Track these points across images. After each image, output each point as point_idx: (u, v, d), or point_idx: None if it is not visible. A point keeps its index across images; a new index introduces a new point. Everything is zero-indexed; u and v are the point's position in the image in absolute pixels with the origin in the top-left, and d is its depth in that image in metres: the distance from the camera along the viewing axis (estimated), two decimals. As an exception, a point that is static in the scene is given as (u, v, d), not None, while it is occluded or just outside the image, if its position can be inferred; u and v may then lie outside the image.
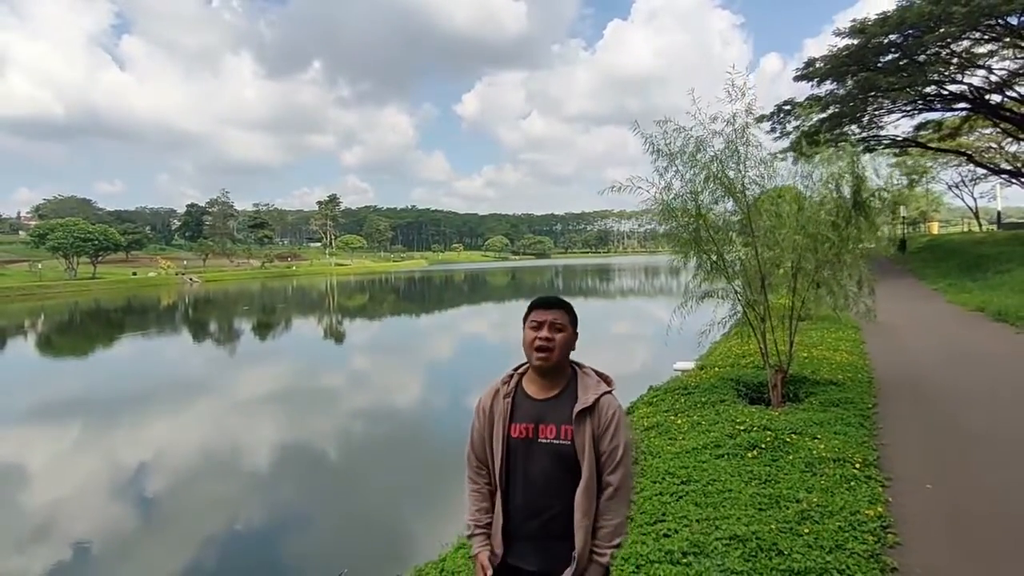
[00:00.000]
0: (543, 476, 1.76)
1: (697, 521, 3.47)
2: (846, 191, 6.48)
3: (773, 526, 3.31)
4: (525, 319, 1.85)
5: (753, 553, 3.05)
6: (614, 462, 1.75)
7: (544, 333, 1.78)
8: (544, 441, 1.77)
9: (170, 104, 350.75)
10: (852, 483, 3.94)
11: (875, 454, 4.60)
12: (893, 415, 5.77)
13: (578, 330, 1.88)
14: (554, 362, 1.79)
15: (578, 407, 1.74)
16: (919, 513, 3.67)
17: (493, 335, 22.42)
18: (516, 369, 1.91)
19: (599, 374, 1.85)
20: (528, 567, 1.79)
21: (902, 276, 22.43)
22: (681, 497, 3.86)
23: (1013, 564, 3.10)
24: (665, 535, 3.33)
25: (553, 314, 1.80)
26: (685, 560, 3.00)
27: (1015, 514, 3.66)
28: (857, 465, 4.23)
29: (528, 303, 1.87)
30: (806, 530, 3.28)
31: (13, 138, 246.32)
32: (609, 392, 1.79)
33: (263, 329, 26.19)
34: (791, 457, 4.38)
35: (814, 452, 4.44)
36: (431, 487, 7.17)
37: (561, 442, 1.75)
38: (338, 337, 23.69)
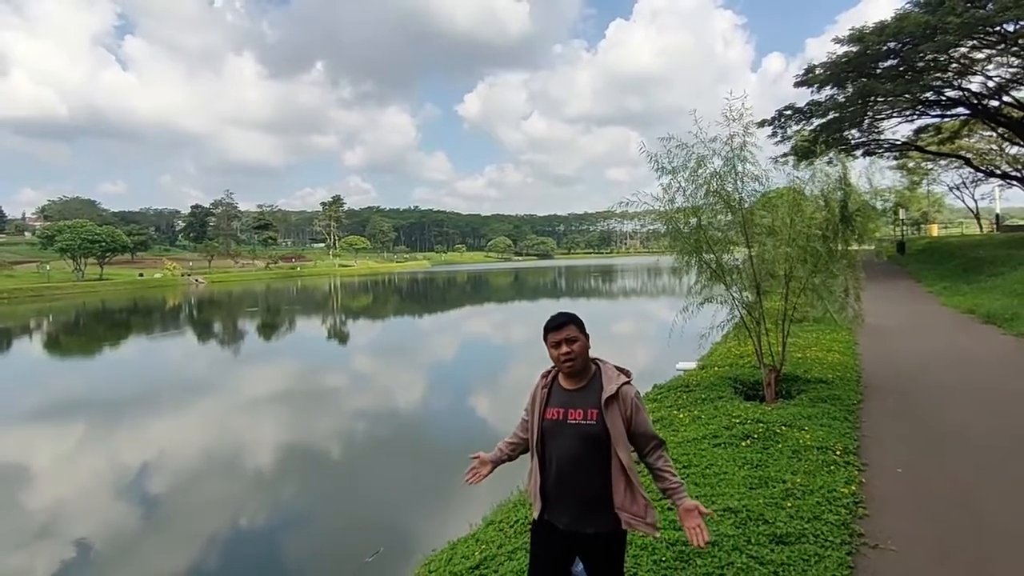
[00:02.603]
0: (571, 452, 2.27)
1: (696, 497, 4.03)
2: (837, 198, 7.04)
3: (761, 501, 3.89)
4: (545, 339, 2.35)
5: (743, 522, 3.63)
6: (650, 434, 2.30)
7: (564, 349, 2.28)
8: (573, 422, 2.27)
9: (173, 105, 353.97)
10: (832, 467, 4.51)
11: (855, 444, 5.17)
12: (876, 411, 6.33)
13: (587, 331, 2.38)
14: (578, 366, 2.33)
15: (605, 395, 2.25)
16: (888, 492, 4.24)
17: (498, 334, 23.00)
18: (554, 367, 2.47)
19: (618, 368, 2.40)
20: (560, 525, 2.30)
21: (900, 278, 22.88)
22: (683, 479, 4.42)
23: (962, 532, 3.66)
24: (669, 508, 3.88)
25: (565, 332, 2.29)
26: (686, 527, 3.57)
27: (973, 494, 4.22)
28: (838, 452, 4.81)
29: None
30: (789, 504, 3.85)
31: (17, 138, 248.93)
32: (628, 382, 2.34)
33: (278, 329, 26.82)
34: (780, 446, 4.95)
35: (801, 442, 5.01)
36: (454, 475, 7.75)
37: (587, 423, 2.25)
38: (350, 337, 24.28)
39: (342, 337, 24.36)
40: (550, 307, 31.75)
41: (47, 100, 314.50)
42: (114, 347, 22.90)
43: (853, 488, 4.16)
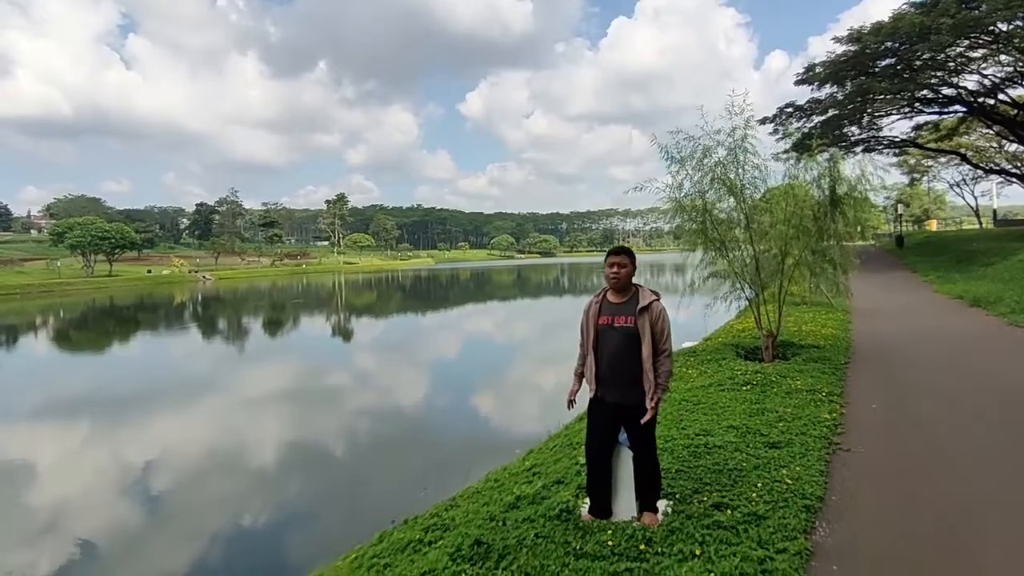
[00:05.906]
0: (617, 347, 3.20)
1: (704, 421, 4.91)
2: (826, 183, 7.86)
3: (758, 422, 4.77)
4: (605, 260, 3.27)
5: (743, 434, 4.51)
6: (664, 337, 3.18)
7: (615, 269, 3.23)
8: (618, 326, 3.21)
9: (176, 103, 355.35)
10: (818, 403, 5.39)
11: (840, 389, 6.03)
12: (861, 369, 7.18)
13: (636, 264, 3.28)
14: (622, 283, 3.22)
15: (640, 306, 3.17)
16: (862, 420, 5.11)
17: (502, 328, 23.85)
18: (602, 289, 3.35)
19: (651, 291, 3.27)
20: (610, 399, 3.24)
21: (897, 269, 23.77)
22: (693, 412, 5.31)
23: (916, 445, 4.54)
24: (683, 428, 4.77)
25: (618, 258, 3.26)
26: (698, 437, 4.45)
27: (930, 423, 5.09)
28: (824, 394, 5.69)
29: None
30: (781, 425, 4.72)
31: (21, 137, 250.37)
32: (657, 299, 3.21)
33: (294, 324, 27.71)
34: (775, 389, 5.83)
35: (793, 386, 5.89)
36: (475, 440, 8.61)
37: (627, 326, 3.19)
38: (361, 331, 25.17)
39: (352, 332, 25.25)
40: (553, 303, 32.23)
41: (51, 99, 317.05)
42: (130, 342, 23.59)
43: (834, 415, 5.03)
